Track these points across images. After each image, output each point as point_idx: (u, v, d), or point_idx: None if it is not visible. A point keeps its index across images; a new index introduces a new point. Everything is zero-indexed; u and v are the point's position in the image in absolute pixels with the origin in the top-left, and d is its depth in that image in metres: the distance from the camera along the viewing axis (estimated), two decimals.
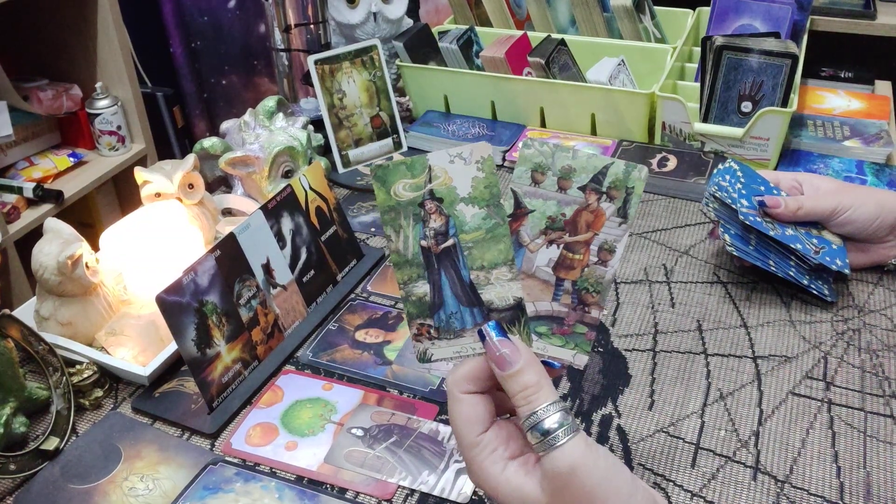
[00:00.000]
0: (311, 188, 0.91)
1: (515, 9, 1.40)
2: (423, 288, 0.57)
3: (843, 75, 1.39)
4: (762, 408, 0.75)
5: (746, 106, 1.11)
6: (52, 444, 0.73)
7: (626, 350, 0.82)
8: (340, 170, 1.16)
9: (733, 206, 0.86)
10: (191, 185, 0.94)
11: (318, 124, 1.15)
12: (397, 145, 1.20)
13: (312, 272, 0.89)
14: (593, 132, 1.21)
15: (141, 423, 0.76)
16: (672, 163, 1.11)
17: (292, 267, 0.87)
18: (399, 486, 0.69)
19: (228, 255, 0.80)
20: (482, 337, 0.54)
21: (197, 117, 2.32)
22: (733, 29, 1.27)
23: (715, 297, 0.89)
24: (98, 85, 1.72)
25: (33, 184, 1.60)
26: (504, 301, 0.57)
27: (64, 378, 0.77)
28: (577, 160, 0.57)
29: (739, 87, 1.10)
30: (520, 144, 1.18)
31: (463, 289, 0.57)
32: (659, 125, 1.16)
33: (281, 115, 1.07)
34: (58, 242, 0.79)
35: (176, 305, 0.74)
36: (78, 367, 0.78)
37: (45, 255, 0.78)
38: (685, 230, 1.01)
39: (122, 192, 1.90)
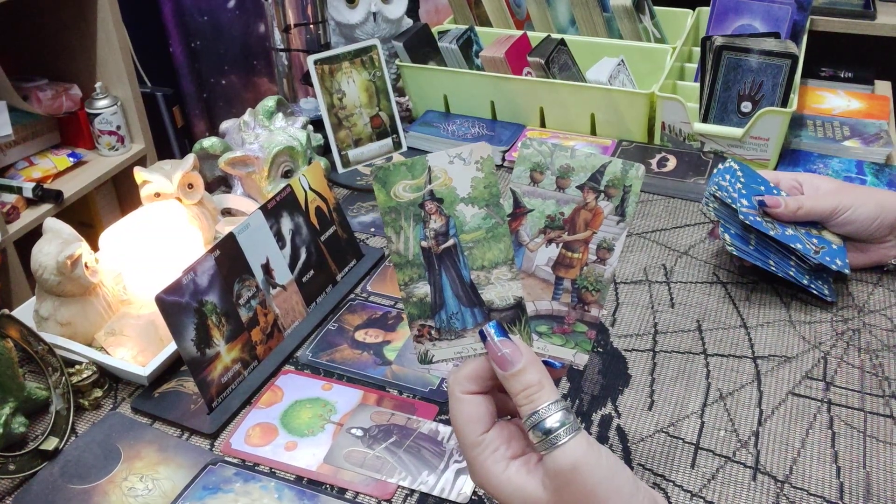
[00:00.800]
0: (310, 188, 0.91)
1: (515, 9, 1.40)
2: (423, 289, 0.57)
3: (842, 75, 1.39)
4: (762, 408, 0.75)
5: (746, 106, 1.11)
6: (51, 444, 0.73)
7: (625, 350, 0.82)
8: (340, 170, 1.16)
9: (733, 206, 0.86)
10: (190, 185, 0.94)
11: (317, 124, 1.15)
12: (397, 145, 1.20)
13: (312, 272, 0.89)
14: (593, 132, 1.21)
15: (140, 424, 0.76)
16: (672, 163, 1.11)
17: (292, 267, 0.87)
18: (399, 487, 0.69)
19: (228, 255, 0.79)
20: (483, 337, 0.54)
21: (196, 117, 2.32)
22: (733, 29, 1.27)
23: (715, 297, 0.89)
24: (98, 85, 1.72)
25: (33, 184, 1.60)
26: (504, 301, 0.57)
27: (63, 378, 0.77)
28: (576, 159, 0.57)
29: (739, 87, 1.10)
30: (519, 144, 1.18)
31: (464, 289, 0.57)
32: (658, 125, 1.16)
33: (280, 115, 1.07)
34: (57, 242, 0.79)
35: (175, 305, 0.74)
36: (77, 367, 0.78)
37: (45, 255, 0.78)
38: (685, 230, 1.01)
39: (121, 192, 1.90)
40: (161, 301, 0.72)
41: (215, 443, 0.74)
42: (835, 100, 1.26)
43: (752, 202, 0.87)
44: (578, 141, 1.18)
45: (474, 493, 0.67)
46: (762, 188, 0.89)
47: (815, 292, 0.86)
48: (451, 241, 0.56)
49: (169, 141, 2.13)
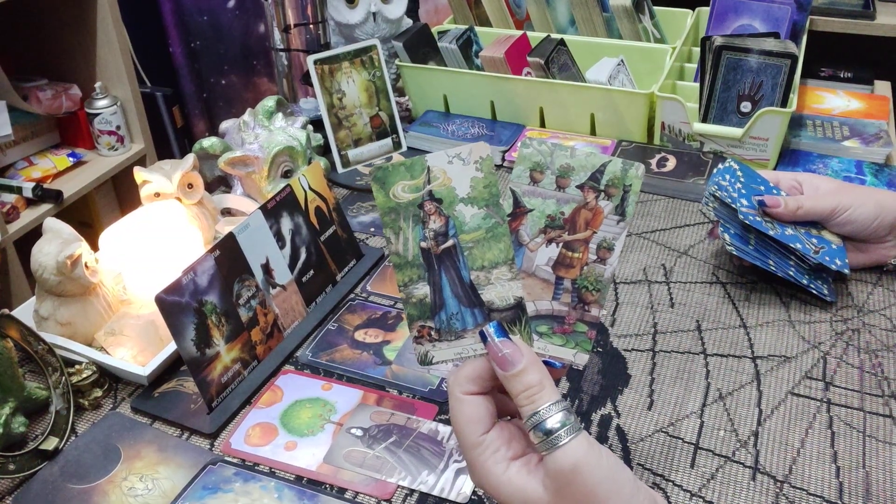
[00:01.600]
0: (310, 188, 0.91)
1: (515, 9, 1.40)
2: (423, 290, 0.57)
3: (842, 75, 1.39)
4: (761, 408, 0.75)
5: (746, 106, 1.11)
6: (51, 443, 0.73)
7: (625, 350, 0.82)
8: (340, 170, 1.16)
9: (733, 206, 0.86)
10: (190, 185, 0.94)
11: (317, 124, 1.15)
12: (397, 145, 1.20)
13: (312, 272, 0.89)
14: (593, 132, 1.21)
15: (140, 423, 0.76)
16: (671, 163, 1.11)
17: (292, 267, 0.87)
18: (398, 486, 0.69)
19: (228, 255, 0.80)
20: (483, 338, 0.54)
21: (196, 117, 2.32)
22: (733, 29, 1.27)
23: (714, 297, 0.89)
24: (97, 85, 1.72)
25: (32, 184, 1.60)
26: (504, 301, 0.57)
27: (63, 378, 0.77)
28: (576, 159, 0.57)
29: (739, 87, 1.10)
30: (519, 144, 1.18)
31: (463, 289, 0.57)
32: (658, 125, 1.16)
33: (280, 114, 1.07)
34: (57, 242, 0.79)
35: (175, 305, 0.74)
36: (77, 366, 0.78)
37: (45, 254, 0.78)
38: (684, 230, 1.01)
39: (121, 192, 1.90)
40: (161, 301, 0.72)
41: (215, 443, 0.74)
42: (834, 100, 1.26)
43: (751, 202, 0.87)
44: (578, 141, 1.18)
45: (474, 492, 0.67)
46: (762, 188, 0.89)
47: (814, 292, 0.86)
48: (450, 242, 0.56)
49: (169, 141, 2.13)
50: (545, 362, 0.56)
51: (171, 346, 0.79)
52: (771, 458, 0.70)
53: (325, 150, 1.15)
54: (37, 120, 1.72)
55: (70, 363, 0.79)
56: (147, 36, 2.13)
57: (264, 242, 0.84)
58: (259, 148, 1.02)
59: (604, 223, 0.57)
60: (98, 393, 0.79)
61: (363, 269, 0.96)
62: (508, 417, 0.58)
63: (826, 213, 0.86)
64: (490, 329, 0.54)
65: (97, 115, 1.73)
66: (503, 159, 1.18)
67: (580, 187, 0.58)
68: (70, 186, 1.67)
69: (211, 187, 1.10)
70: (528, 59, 1.19)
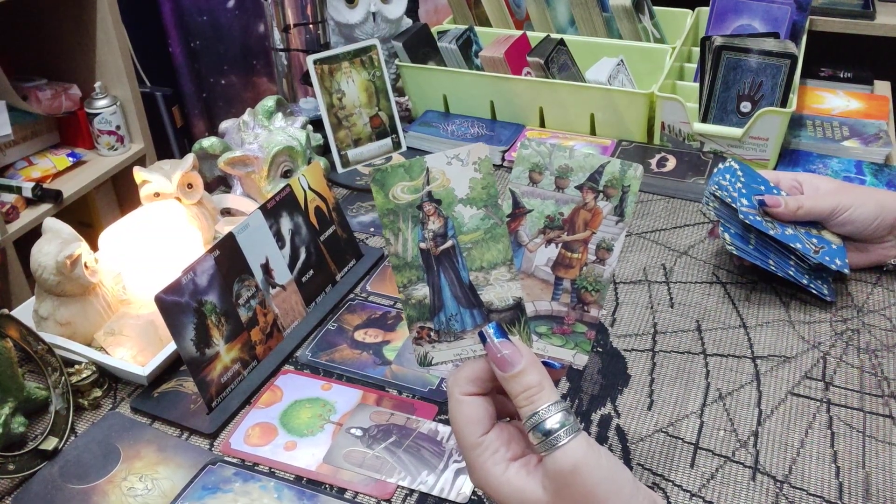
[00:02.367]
0: (310, 188, 0.91)
1: (515, 8, 1.40)
2: (422, 291, 0.57)
3: (842, 75, 1.39)
4: (761, 408, 0.75)
5: (745, 106, 1.11)
6: (50, 443, 0.73)
7: (625, 350, 0.82)
8: (339, 170, 1.16)
9: (733, 206, 0.86)
10: (190, 185, 0.94)
11: (317, 124, 1.15)
12: (396, 145, 1.20)
13: (311, 272, 0.89)
14: (592, 132, 1.21)
15: (140, 423, 0.76)
16: (671, 163, 1.11)
17: (291, 267, 0.87)
18: (398, 486, 0.69)
19: (227, 254, 0.79)
20: (483, 339, 0.54)
21: (196, 117, 2.32)
22: (732, 29, 1.27)
23: (714, 297, 0.89)
24: (97, 85, 1.72)
25: (32, 183, 1.60)
26: (504, 301, 0.57)
27: (63, 378, 0.77)
28: (574, 159, 0.57)
29: (738, 87, 1.10)
30: (518, 145, 1.18)
31: (462, 290, 0.57)
32: (658, 125, 1.16)
33: (280, 114, 1.07)
34: (57, 242, 0.79)
35: (175, 305, 0.74)
36: (77, 366, 0.78)
37: (44, 254, 0.78)
38: (684, 230, 1.01)
39: (121, 192, 1.90)
40: (160, 301, 0.72)
41: (215, 443, 0.74)
42: (834, 100, 1.26)
43: (752, 202, 0.87)
44: (578, 141, 1.18)
45: (473, 493, 0.67)
46: (762, 188, 0.89)
47: (814, 292, 0.86)
48: (449, 243, 0.56)
49: (168, 141, 2.13)
50: (544, 363, 0.56)
51: (171, 346, 0.79)
52: (771, 458, 0.70)
53: (324, 150, 1.15)
54: (36, 120, 1.72)
55: (70, 363, 0.79)
56: (147, 36, 2.13)
57: (264, 242, 0.84)
58: (259, 148, 1.02)
59: (603, 224, 0.57)
60: (97, 393, 0.79)
61: (363, 269, 0.96)
62: (508, 419, 0.58)
63: (826, 213, 0.86)
64: (489, 330, 0.54)
65: (97, 114, 1.73)
66: (503, 159, 1.18)
67: (579, 188, 0.58)
68: (70, 186, 1.67)
69: (210, 187, 1.10)
70: (528, 58, 1.19)
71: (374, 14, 1.25)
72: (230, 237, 0.80)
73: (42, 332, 0.80)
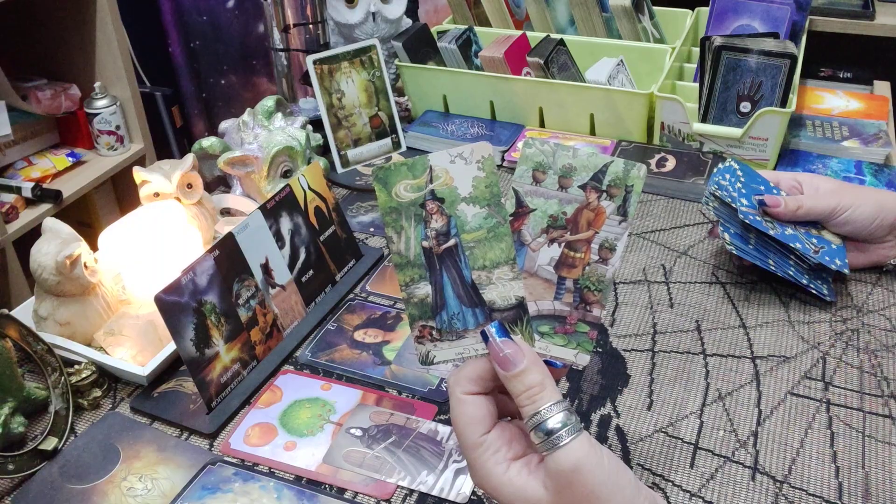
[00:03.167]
0: (309, 188, 0.91)
1: (514, 9, 1.40)
2: (424, 289, 0.57)
3: (841, 75, 1.39)
4: (761, 408, 0.75)
5: (745, 106, 1.11)
6: (50, 444, 0.73)
7: (624, 350, 0.82)
8: (339, 170, 1.16)
9: (733, 205, 0.86)
10: (189, 185, 0.93)
11: (316, 124, 1.15)
12: (396, 145, 1.20)
13: (311, 272, 0.89)
14: (592, 132, 1.21)
15: (139, 423, 0.76)
16: (671, 163, 1.11)
17: (291, 267, 0.87)
18: (398, 486, 0.69)
19: (227, 254, 0.79)
20: (485, 338, 0.54)
21: (195, 117, 2.32)
22: (732, 29, 1.27)
23: (714, 297, 0.89)
24: (97, 85, 1.72)
25: (32, 183, 1.60)
26: (506, 300, 0.57)
27: (62, 378, 0.77)
28: (578, 159, 0.57)
29: (738, 87, 1.10)
30: (519, 144, 1.18)
31: (465, 289, 0.57)
32: (658, 125, 1.16)
33: (280, 114, 1.07)
34: (56, 242, 0.79)
35: (174, 305, 0.74)
36: (76, 366, 0.78)
37: (44, 254, 0.78)
38: (684, 230, 1.01)
39: (120, 192, 1.90)
40: (160, 301, 0.72)
41: (214, 443, 0.74)
42: (834, 100, 1.26)
43: (751, 201, 0.87)
44: (578, 141, 1.18)
45: (473, 493, 0.67)
46: (762, 188, 0.89)
47: (814, 292, 0.86)
48: (452, 241, 0.56)
49: (168, 141, 2.13)
50: (546, 362, 0.56)
51: (171, 347, 0.79)
52: (770, 458, 0.70)
53: (324, 150, 1.15)
54: (36, 120, 1.72)
55: (69, 363, 0.79)
56: (146, 36, 2.13)
57: (263, 242, 0.84)
58: (258, 148, 1.02)
59: (606, 223, 0.57)
60: (97, 393, 0.79)
61: (363, 269, 0.96)
62: (509, 418, 0.58)
63: (826, 213, 0.87)
64: (491, 329, 0.54)
65: (96, 114, 1.73)
66: (503, 159, 1.18)
67: (582, 187, 0.58)
68: (69, 186, 1.67)
69: (210, 187, 1.10)
70: (528, 59, 1.19)
71: (373, 14, 1.25)
72: (230, 237, 0.80)
73: (42, 332, 0.80)
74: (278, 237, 0.85)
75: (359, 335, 0.86)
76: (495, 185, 0.56)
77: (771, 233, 0.85)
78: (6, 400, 0.72)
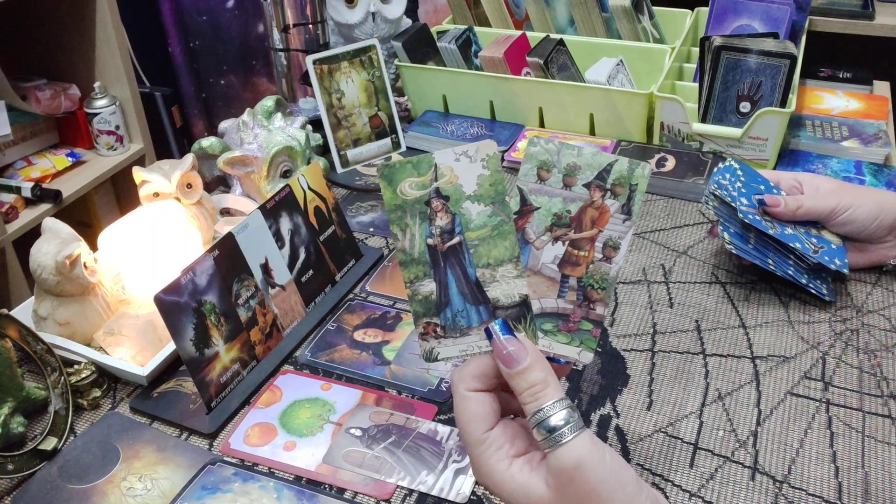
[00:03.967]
0: (309, 188, 0.91)
1: (514, 9, 1.40)
2: (429, 286, 0.57)
3: (841, 76, 1.39)
4: (760, 408, 0.75)
5: (745, 106, 1.11)
6: (49, 444, 0.73)
7: (624, 350, 0.82)
8: (339, 170, 1.16)
9: (733, 205, 0.86)
10: (189, 185, 0.93)
11: (316, 124, 1.15)
12: (396, 145, 1.20)
13: (311, 272, 0.89)
14: (592, 132, 1.21)
15: (139, 423, 0.76)
16: (670, 163, 1.11)
17: (291, 267, 0.87)
18: (397, 486, 0.69)
19: (227, 254, 0.79)
20: (489, 335, 0.55)
21: (195, 117, 2.32)
22: (732, 29, 1.27)
23: (713, 297, 0.89)
24: (96, 85, 1.72)
25: (31, 183, 1.60)
26: (510, 298, 0.57)
27: (62, 378, 0.77)
28: (583, 157, 0.58)
29: (738, 87, 1.10)
30: (519, 144, 1.18)
31: (469, 287, 0.57)
32: (657, 125, 1.16)
33: (279, 114, 1.07)
34: (56, 242, 0.79)
35: (174, 305, 0.74)
36: (76, 366, 0.78)
37: (44, 254, 0.78)
38: (683, 230, 1.01)
39: (120, 192, 1.90)
40: (160, 301, 0.72)
41: (214, 443, 0.74)
42: (833, 100, 1.26)
43: (751, 201, 0.87)
44: (577, 141, 1.18)
45: (473, 493, 0.67)
46: (762, 187, 0.89)
47: (813, 292, 0.86)
48: (456, 239, 0.57)
49: (168, 141, 2.13)
50: (549, 359, 0.56)
51: (170, 346, 0.79)
52: (770, 458, 0.70)
53: (324, 150, 1.15)
54: (36, 120, 1.72)
55: (69, 363, 0.79)
56: (146, 36, 2.13)
57: (263, 242, 0.84)
58: (258, 148, 1.02)
59: (610, 222, 0.58)
60: (97, 393, 0.78)
61: (362, 269, 0.96)
62: (511, 416, 0.58)
63: (826, 213, 0.87)
64: (495, 326, 0.54)
65: (96, 114, 1.73)
66: (503, 159, 1.18)
67: (587, 186, 0.58)
68: (69, 186, 1.67)
69: (210, 187, 1.10)
70: (528, 59, 1.19)
71: (373, 14, 1.25)
72: (229, 237, 0.80)
73: (41, 332, 0.80)
74: (278, 237, 0.85)
75: (358, 335, 0.86)
76: (500, 184, 0.56)
77: (770, 232, 0.85)
78: (6, 400, 0.72)
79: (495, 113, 1.25)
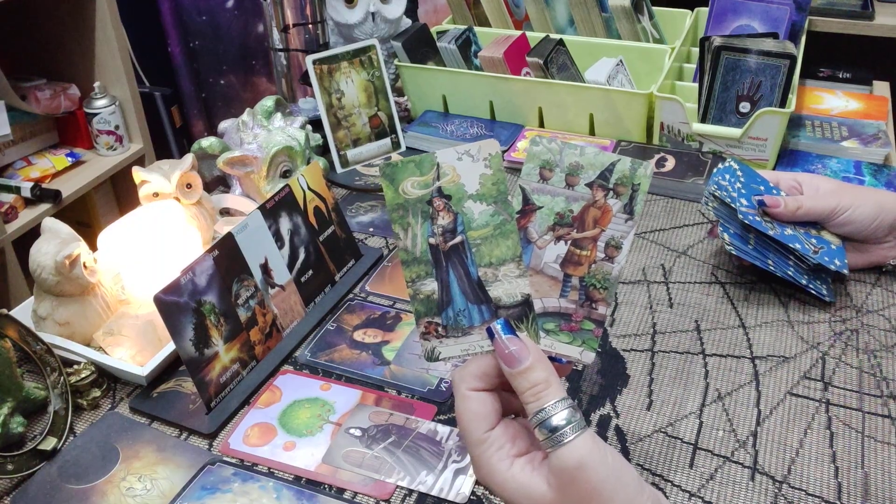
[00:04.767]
0: (309, 188, 0.91)
1: (514, 9, 1.40)
2: (431, 286, 0.57)
3: (841, 76, 1.39)
4: (760, 408, 0.75)
5: (745, 106, 1.11)
6: (49, 444, 0.73)
7: (624, 350, 0.82)
8: (339, 170, 1.16)
9: (732, 206, 0.86)
10: (189, 185, 0.93)
11: (316, 124, 1.15)
12: (395, 145, 1.20)
13: (311, 272, 0.89)
14: (591, 132, 1.21)
15: (139, 424, 0.76)
16: (670, 163, 1.11)
17: (290, 267, 0.87)
18: (397, 487, 0.69)
19: (226, 254, 0.79)
20: (491, 334, 0.54)
21: (195, 117, 2.32)
22: (732, 29, 1.27)
23: (713, 297, 0.89)
24: (96, 84, 1.72)
25: (31, 183, 1.60)
26: (512, 298, 0.57)
27: (62, 378, 0.77)
28: (585, 157, 0.58)
29: (738, 87, 1.10)
30: (519, 144, 1.18)
31: (471, 286, 0.57)
32: (657, 125, 1.16)
33: (279, 114, 1.07)
34: (55, 242, 0.79)
35: (174, 305, 0.74)
36: (76, 366, 0.78)
37: (43, 254, 0.78)
38: (683, 230, 1.01)
39: (120, 192, 1.90)
40: (159, 301, 0.72)
41: (214, 443, 0.74)
42: (833, 100, 1.26)
43: (751, 202, 0.87)
44: (577, 141, 1.18)
45: (473, 493, 0.67)
46: (762, 188, 0.89)
47: (813, 292, 0.86)
48: (458, 238, 0.57)
49: (167, 141, 2.13)
50: (551, 358, 0.56)
51: (170, 347, 0.79)
52: (770, 458, 0.70)
53: (323, 151, 1.15)
54: (35, 120, 1.72)
55: (68, 363, 0.79)
56: (146, 36, 2.13)
57: (263, 242, 0.84)
58: (258, 148, 1.02)
59: (612, 221, 0.58)
60: (96, 393, 0.78)
61: (362, 269, 0.96)
62: (513, 415, 0.58)
63: (826, 214, 0.87)
64: (497, 326, 0.54)
65: (96, 114, 1.73)
66: (502, 159, 1.17)
67: (589, 185, 0.58)
68: (68, 186, 1.67)
69: (209, 187, 1.09)
70: (527, 59, 1.19)
71: (373, 14, 1.25)
72: (229, 237, 0.80)
73: (41, 332, 0.80)
74: (277, 237, 0.85)
75: (358, 335, 0.86)
76: (502, 183, 0.56)
77: (770, 233, 0.85)
78: (5, 400, 0.72)
79: (495, 113, 1.25)
